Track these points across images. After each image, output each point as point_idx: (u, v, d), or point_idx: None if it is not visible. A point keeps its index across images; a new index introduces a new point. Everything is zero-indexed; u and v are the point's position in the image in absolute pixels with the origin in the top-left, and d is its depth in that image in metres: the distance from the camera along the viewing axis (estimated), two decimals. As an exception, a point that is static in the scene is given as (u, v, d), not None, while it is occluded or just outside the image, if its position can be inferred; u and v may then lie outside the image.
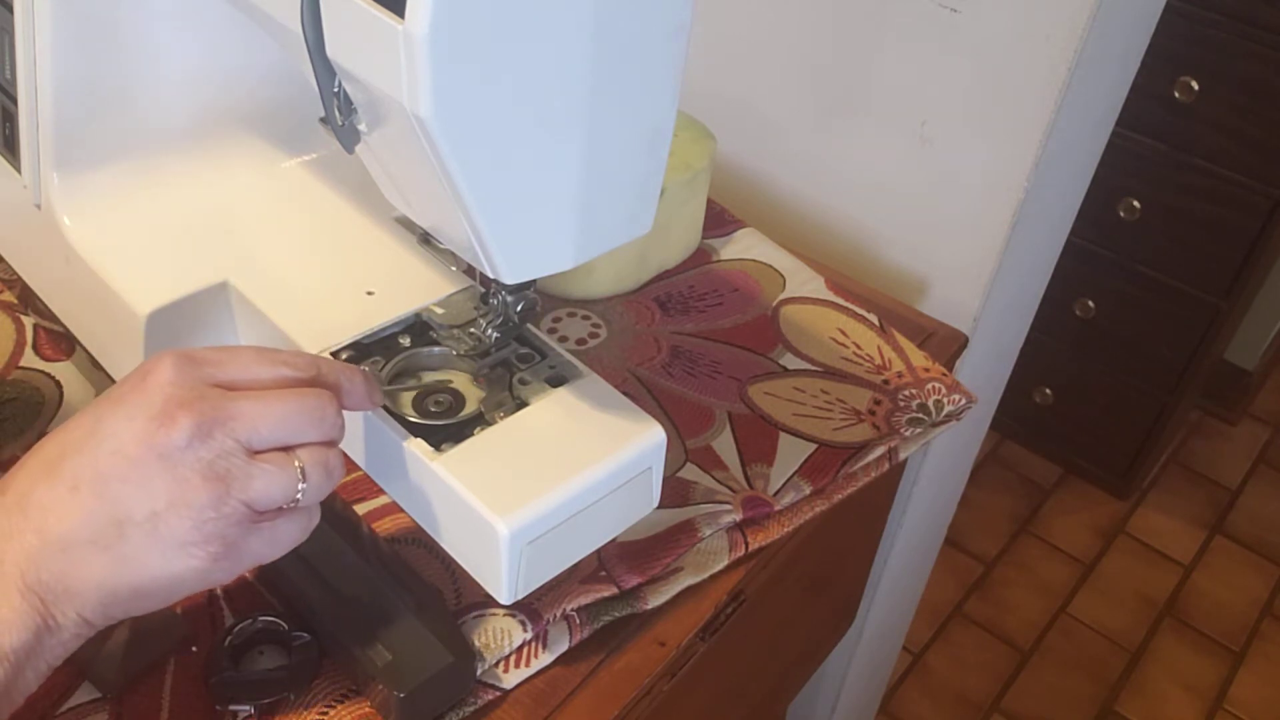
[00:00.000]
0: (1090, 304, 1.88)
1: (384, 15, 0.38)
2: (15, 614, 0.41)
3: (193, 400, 0.42)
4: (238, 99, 0.65)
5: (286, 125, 0.67)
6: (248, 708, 0.52)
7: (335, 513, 0.58)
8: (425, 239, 0.63)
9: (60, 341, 0.69)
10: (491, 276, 0.49)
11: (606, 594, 0.58)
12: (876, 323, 0.79)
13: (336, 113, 0.46)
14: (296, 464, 0.44)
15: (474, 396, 0.54)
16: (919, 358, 0.77)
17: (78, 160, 0.61)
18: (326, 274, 0.61)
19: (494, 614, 0.57)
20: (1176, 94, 1.64)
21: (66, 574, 0.42)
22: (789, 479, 0.66)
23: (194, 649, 0.54)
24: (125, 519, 0.42)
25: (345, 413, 0.50)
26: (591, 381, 0.55)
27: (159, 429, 0.42)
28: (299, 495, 0.44)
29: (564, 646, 0.57)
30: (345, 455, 0.56)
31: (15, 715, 0.44)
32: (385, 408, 0.52)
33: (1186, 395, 1.90)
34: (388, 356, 0.56)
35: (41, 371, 0.67)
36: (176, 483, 0.42)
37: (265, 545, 0.45)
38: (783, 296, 0.81)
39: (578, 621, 0.57)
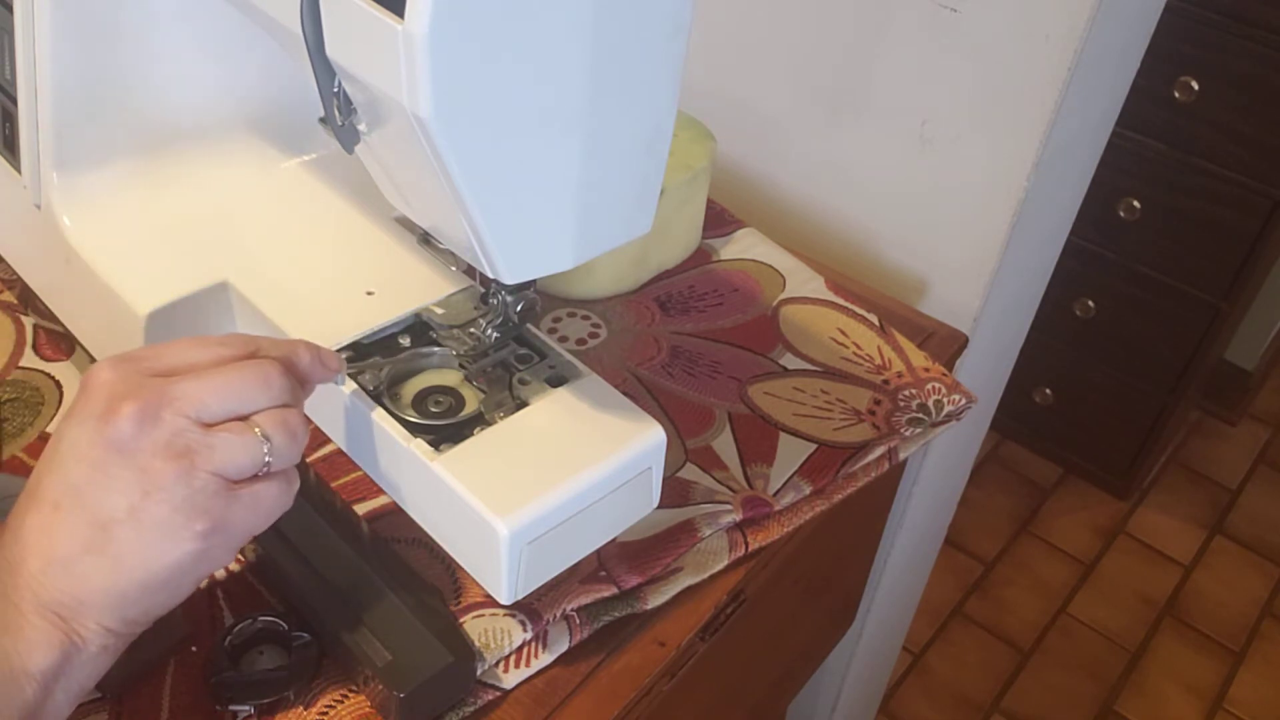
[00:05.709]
0: (1090, 304, 1.87)
1: (384, 15, 0.38)
2: (39, 634, 0.42)
3: (132, 390, 0.43)
4: (237, 99, 0.65)
5: (286, 125, 0.67)
6: (248, 708, 0.52)
7: (335, 512, 0.58)
8: (425, 239, 0.63)
9: (60, 341, 0.69)
10: (491, 276, 0.49)
11: (606, 594, 0.58)
12: (876, 323, 0.79)
13: (336, 113, 0.46)
14: (256, 430, 0.45)
15: (474, 396, 0.54)
16: (919, 358, 0.77)
17: (78, 160, 0.61)
18: (326, 274, 0.61)
19: (494, 614, 0.57)
20: (1176, 94, 1.64)
21: (74, 588, 0.42)
22: (789, 479, 0.66)
23: (194, 649, 0.54)
24: (108, 520, 0.42)
25: (346, 411, 0.50)
26: (591, 381, 0.55)
27: (106, 425, 0.43)
28: (267, 457, 0.45)
29: (564, 646, 0.57)
30: (345, 456, 0.56)
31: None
32: (385, 408, 0.52)
33: (1186, 395, 1.90)
34: (388, 356, 0.56)
35: (41, 371, 0.67)
36: (141, 471, 0.42)
37: (250, 513, 0.45)
38: (783, 296, 0.81)
39: (578, 621, 0.57)
